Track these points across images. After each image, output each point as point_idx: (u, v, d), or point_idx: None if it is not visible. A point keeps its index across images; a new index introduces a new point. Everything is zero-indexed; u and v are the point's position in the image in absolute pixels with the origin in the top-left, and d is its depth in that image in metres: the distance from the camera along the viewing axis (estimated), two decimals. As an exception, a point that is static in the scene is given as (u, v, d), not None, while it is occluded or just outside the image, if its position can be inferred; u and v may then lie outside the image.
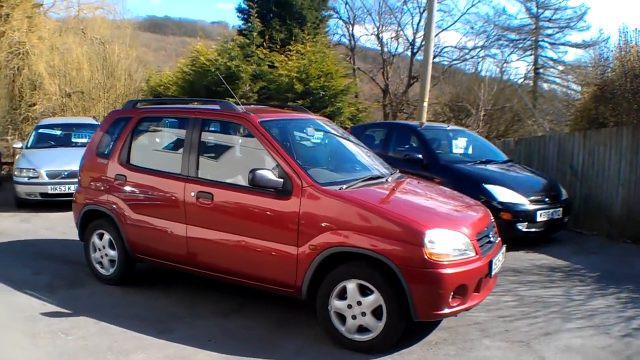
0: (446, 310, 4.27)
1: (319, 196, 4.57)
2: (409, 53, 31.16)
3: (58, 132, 11.93)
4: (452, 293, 4.23)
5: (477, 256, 4.43)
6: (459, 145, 9.62)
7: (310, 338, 4.72)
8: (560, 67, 28.14)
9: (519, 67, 30.64)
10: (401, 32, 30.94)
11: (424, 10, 29.32)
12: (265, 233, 4.78)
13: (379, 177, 5.27)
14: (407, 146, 9.42)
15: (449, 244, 4.27)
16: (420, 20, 30.12)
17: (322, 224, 4.50)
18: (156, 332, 4.77)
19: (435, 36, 30.29)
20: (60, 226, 8.93)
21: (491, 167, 8.83)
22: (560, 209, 8.32)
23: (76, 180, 9.96)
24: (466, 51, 30.40)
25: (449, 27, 31.84)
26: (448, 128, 10.30)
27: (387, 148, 9.40)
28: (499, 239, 5.21)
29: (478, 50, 29.31)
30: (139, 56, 21.95)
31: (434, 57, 30.29)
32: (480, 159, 9.09)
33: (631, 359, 4.45)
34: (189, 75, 16.94)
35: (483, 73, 27.27)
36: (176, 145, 5.69)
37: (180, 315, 5.22)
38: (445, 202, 5.21)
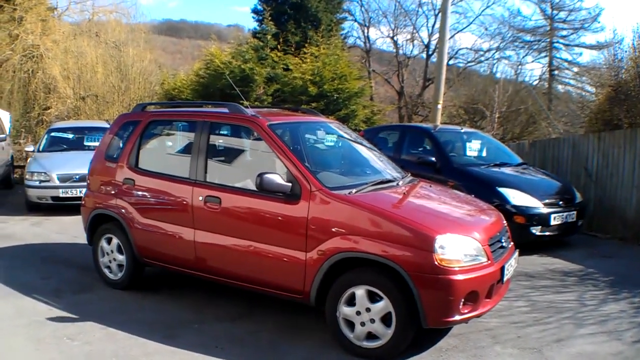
0: (457, 317, 4.19)
1: (327, 200, 4.50)
2: (424, 55, 31.04)
3: (70, 136, 11.94)
4: (462, 299, 4.15)
5: (489, 262, 4.34)
6: (473, 148, 9.49)
7: (318, 345, 4.66)
8: (575, 69, 27.89)
9: (534, 69, 30.45)
10: (416, 35, 30.87)
11: (438, 13, 29.06)
12: (274, 238, 4.72)
13: (389, 181, 5.20)
14: (420, 149, 9.32)
15: (460, 249, 4.19)
16: (435, 22, 30.00)
17: (331, 229, 4.43)
18: (163, 338, 4.72)
19: (450, 38, 30.25)
20: (72, 230, 8.93)
21: (505, 170, 8.72)
22: (575, 212, 8.18)
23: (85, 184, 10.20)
24: (481, 53, 30.26)
25: (464, 29, 31.79)
26: (462, 130, 10.17)
27: (400, 151, 9.30)
28: (512, 243, 5.11)
29: (493, 52, 29.18)
30: (154, 59, 22.00)
31: (449, 59, 30.20)
32: (494, 161, 8.98)
33: (643, 365, 4.35)
34: (203, 78, 16.90)
35: (498, 75, 27.10)
36: (185, 149, 5.65)
37: (188, 320, 5.17)
38: (457, 207, 5.12)
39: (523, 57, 29.33)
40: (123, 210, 5.74)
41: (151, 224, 5.54)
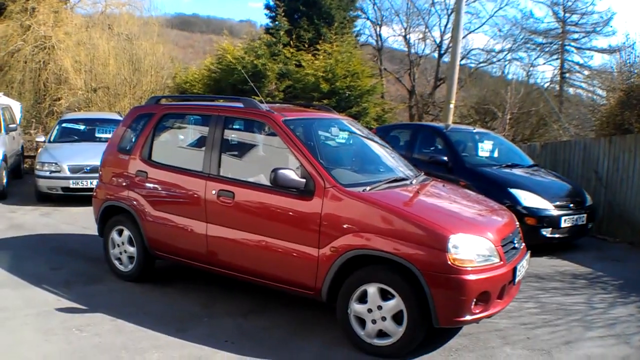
0: (468, 317, 4.18)
1: (341, 197, 4.49)
2: (435, 55, 30.95)
3: (81, 127, 11.95)
4: (474, 300, 4.14)
5: (502, 262, 4.33)
6: (485, 148, 9.49)
7: (329, 341, 4.65)
8: (586, 72, 27.73)
9: (546, 71, 30.32)
10: (428, 34, 30.78)
11: (451, 12, 29.06)
12: (286, 233, 4.71)
13: (403, 179, 5.19)
14: (432, 148, 9.30)
15: (473, 249, 4.17)
16: (447, 22, 29.95)
17: (344, 226, 4.42)
18: (173, 331, 4.72)
19: (463, 38, 30.10)
20: (82, 221, 8.96)
21: (517, 171, 8.71)
22: (585, 215, 8.17)
23: (98, 175, 10.16)
24: (493, 54, 30.14)
25: (476, 29, 31.61)
26: (474, 131, 10.14)
27: (412, 149, 9.29)
28: (524, 244, 5.09)
29: (505, 53, 29.05)
30: (166, 53, 21.96)
31: (461, 59, 30.12)
32: (505, 162, 8.97)
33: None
34: (214, 73, 16.92)
35: (510, 76, 27.04)
36: (198, 142, 5.65)
37: (198, 314, 5.18)
38: (470, 206, 5.10)
39: (534, 59, 29.27)
40: (135, 202, 5.75)
41: (163, 217, 5.54)
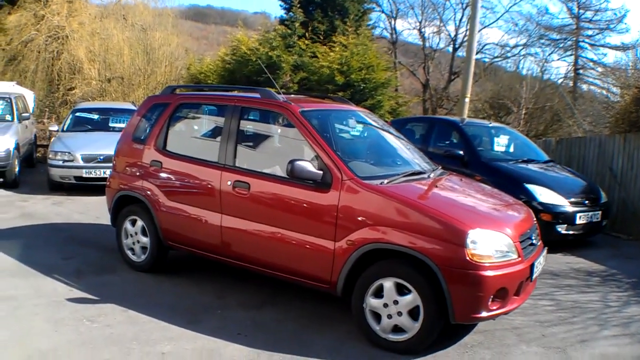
0: (485, 314, 4.13)
1: (359, 190, 4.44)
2: (450, 49, 30.77)
3: (95, 116, 11.90)
4: (492, 296, 4.08)
5: (519, 259, 4.27)
6: (501, 143, 9.40)
7: (343, 335, 4.61)
8: (600, 69, 27.49)
9: (560, 67, 30.02)
10: (443, 28, 30.60)
11: (466, 7, 28.95)
12: (302, 226, 4.66)
13: (420, 173, 5.13)
14: (447, 142, 9.22)
15: (491, 245, 4.11)
16: (462, 16, 29.83)
17: (361, 219, 4.37)
18: (185, 323, 4.69)
19: (478, 32, 29.89)
20: (94, 210, 8.95)
21: (532, 166, 8.62)
22: (600, 212, 8.09)
23: (111, 165, 10.11)
24: (508, 49, 29.92)
25: (491, 24, 31.60)
26: (490, 125, 10.03)
27: (427, 143, 9.20)
28: (541, 241, 5.02)
29: (519, 48, 28.81)
30: (181, 44, 22.00)
31: (476, 54, 29.87)
32: (521, 157, 8.89)
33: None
34: (229, 64, 16.84)
35: (524, 72, 26.78)
36: (214, 132, 5.60)
37: (211, 305, 5.14)
38: (487, 201, 5.03)
39: (549, 54, 29.02)
40: (149, 192, 5.71)
41: (177, 207, 5.50)
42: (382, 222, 4.29)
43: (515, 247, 4.25)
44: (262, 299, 5.37)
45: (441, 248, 4.05)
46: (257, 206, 4.95)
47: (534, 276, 4.53)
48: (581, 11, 28.72)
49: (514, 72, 27.00)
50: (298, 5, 17.98)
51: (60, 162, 10.25)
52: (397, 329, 4.30)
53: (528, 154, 9.20)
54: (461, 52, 30.19)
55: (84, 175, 10.17)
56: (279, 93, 5.24)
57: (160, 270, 5.96)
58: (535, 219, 5.12)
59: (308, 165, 4.52)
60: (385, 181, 4.58)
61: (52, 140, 11.91)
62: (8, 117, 11.78)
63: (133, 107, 12.02)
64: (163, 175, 5.64)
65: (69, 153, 10.24)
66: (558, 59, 29.68)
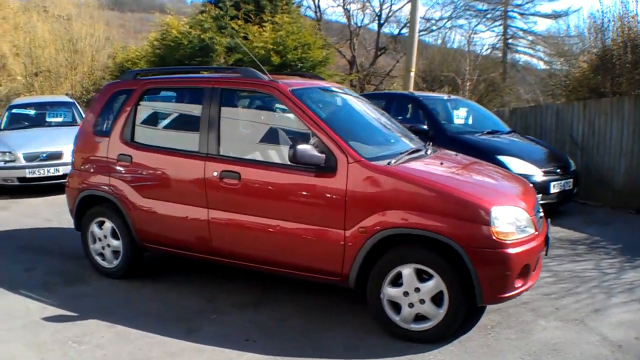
0: (511, 293, 3.91)
1: (367, 173, 4.08)
2: (374, 25, 30.61)
3: (32, 112, 11.06)
4: (517, 274, 3.87)
5: (536, 232, 4.07)
6: (460, 116, 9.22)
7: (357, 329, 4.28)
8: (530, 38, 28.04)
9: (488, 38, 30.30)
10: (368, 4, 30.37)
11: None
12: (305, 215, 4.27)
13: (418, 150, 4.81)
14: (408, 117, 8.94)
15: (513, 221, 3.89)
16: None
17: (374, 204, 4.03)
18: (182, 334, 4.20)
19: (402, 7, 29.91)
20: (43, 213, 8.17)
21: (498, 137, 8.47)
22: (571, 180, 8.04)
23: (56, 162, 9.38)
24: (433, 22, 30.03)
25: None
26: (446, 98, 9.82)
27: (387, 119, 8.88)
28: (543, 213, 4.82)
29: (445, 21, 28.87)
30: (101, 33, 21.10)
31: (401, 29, 29.97)
32: (484, 129, 8.70)
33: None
34: (159, 49, 16.29)
35: (454, 45, 26.97)
36: (190, 119, 5.03)
37: (203, 310, 4.66)
38: (494, 177, 4.77)
39: (475, 26, 29.28)
40: (118, 190, 5.13)
41: (154, 205, 4.96)
42: (397, 205, 3.96)
43: (532, 221, 4.06)
44: (254, 297, 4.93)
45: (465, 228, 3.79)
46: (250, 198, 4.49)
47: (548, 249, 4.35)
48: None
49: (441, 45, 27.11)
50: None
51: (2, 164, 9.37)
52: (419, 318, 4.03)
53: (489, 125, 9.02)
54: (386, 29, 30.23)
55: (28, 176, 9.34)
56: (264, 72, 4.77)
57: (136, 276, 5.40)
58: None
59: (311, 149, 4.11)
60: (393, 161, 4.25)
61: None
62: None
63: (69, 100, 11.31)
64: (134, 170, 5.05)
65: (10, 153, 9.39)
66: (486, 30, 29.91)
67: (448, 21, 28.83)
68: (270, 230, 4.41)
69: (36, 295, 4.96)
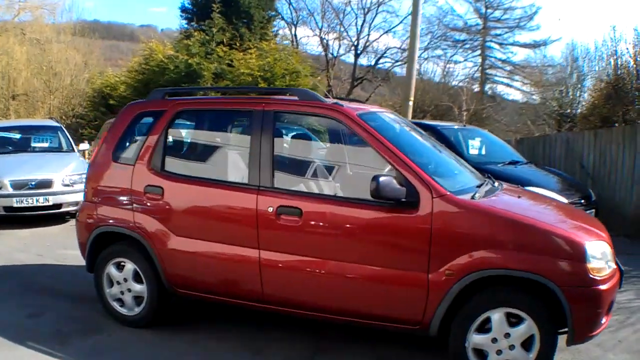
0: (598, 330, 3.68)
1: (455, 209, 3.65)
2: (350, 55, 30.57)
3: (17, 136, 10.17)
4: (605, 311, 3.65)
5: (616, 267, 3.84)
6: (475, 146, 8.84)
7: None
8: (508, 68, 28.22)
9: (466, 68, 30.40)
10: (345, 34, 30.33)
11: (367, 11, 28.90)
12: (379, 257, 3.78)
13: (488, 183, 4.38)
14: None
15: (602, 256, 3.66)
16: (363, 21, 29.61)
17: (463, 243, 3.59)
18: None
19: (379, 37, 29.97)
20: (33, 246, 7.33)
21: (520, 168, 8.14)
22: (593, 210, 7.72)
23: (46, 191, 8.56)
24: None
25: (393, 27, 31.13)
26: (456, 127, 9.43)
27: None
28: None
29: (421, 51, 28.85)
30: (78, 58, 20.55)
31: (379, 59, 29.93)
32: (501, 159, 8.34)
33: None
34: (142, 74, 15.77)
35: (432, 76, 26.94)
36: (234, 146, 4.46)
37: (252, 365, 4.02)
38: (568, 211, 4.48)
39: (451, 56, 29.33)
40: (145, 227, 4.47)
41: (190, 245, 4.32)
42: (490, 244, 3.57)
43: (613, 256, 3.83)
44: (309, 348, 4.32)
45: (561, 266, 3.51)
46: (313, 237, 3.94)
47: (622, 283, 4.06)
48: (489, 11, 29.21)
49: (420, 76, 27.04)
50: (218, 10, 16.86)
51: None
52: (506, 365, 3.61)
53: (506, 155, 8.70)
54: (361, 60, 30.20)
55: (15, 205, 8.41)
56: (326, 95, 4.24)
57: (162, 324, 4.70)
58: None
59: (393, 182, 3.61)
60: (477, 195, 3.83)
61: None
62: None
63: (56, 124, 10.50)
64: (165, 204, 4.41)
65: None
66: (464, 60, 29.88)
67: (424, 52, 28.89)
68: (336, 274, 3.87)
69: (48, 348, 4.23)
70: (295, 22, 31.41)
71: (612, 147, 9.22)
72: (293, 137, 4.85)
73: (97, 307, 4.92)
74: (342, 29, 30.35)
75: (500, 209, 3.74)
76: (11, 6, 20.59)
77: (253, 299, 4.21)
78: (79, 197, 8.56)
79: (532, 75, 24.06)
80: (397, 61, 30.33)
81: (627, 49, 10.09)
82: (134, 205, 4.53)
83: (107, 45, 29.97)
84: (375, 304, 3.83)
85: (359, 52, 29.93)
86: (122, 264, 4.68)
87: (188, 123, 4.82)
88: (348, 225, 3.85)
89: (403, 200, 3.64)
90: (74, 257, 5.87)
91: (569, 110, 14.75)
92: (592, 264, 3.49)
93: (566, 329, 3.54)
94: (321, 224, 3.91)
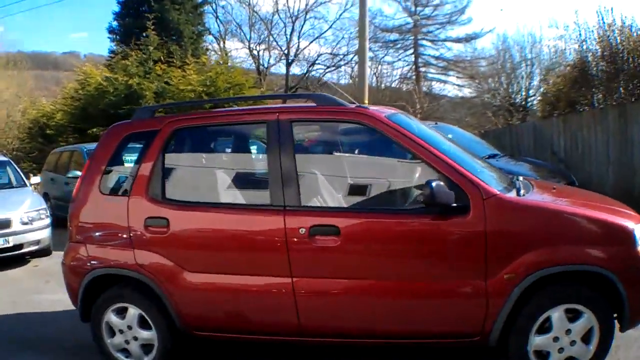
0: None
1: (506, 208, 3.43)
2: (280, 68, 30.32)
3: None
4: None
5: None
6: (450, 141, 8.64)
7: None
8: (442, 64, 28.50)
9: (399, 68, 30.48)
10: (275, 44, 30.04)
11: (296, 19, 28.73)
12: (429, 270, 3.49)
13: (520, 179, 4.19)
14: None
15: None
16: (292, 29, 29.37)
17: (520, 244, 3.38)
18: None
19: (309, 45, 29.79)
20: (3, 293, 6.48)
21: (501, 160, 8.03)
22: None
23: (4, 232, 7.71)
24: (340, 57, 30.05)
25: (322, 34, 30.93)
26: (435, 125, 9.25)
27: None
28: None
29: (352, 55, 28.79)
30: (15, 89, 19.88)
31: (310, 66, 29.73)
32: (481, 154, 8.10)
33: None
34: (78, 100, 15.18)
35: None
36: (247, 163, 4.01)
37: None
38: (597, 199, 4.29)
39: (382, 57, 29.46)
40: (150, 266, 3.92)
41: (207, 281, 3.82)
42: (546, 241, 3.41)
43: None
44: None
45: (615, 254, 3.42)
46: (354, 257, 3.55)
47: None
48: (419, 8, 29.37)
49: (354, 79, 27.03)
50: (152, 29, 16.30)
51: None
52: (568, 362, 3.44)
53: (480, 150, 8.53)
54: (296, 67, 29.99)
55: None
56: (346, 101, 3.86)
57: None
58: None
59: (444, 186, 3.32)
60: (522, 192, 3.63)
61: None
62: None
63: (4, 159, 9.65)
64: (172, 236, 3.88)
65: None
66: (397, 60, 29.99)
67: (355, 56, 28.86)
68: (384, 294, 3.52)
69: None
70: (224, 36, 30.90)
71: (584, 131, 9.31)
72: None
73: (93, 357, 4.30)
74: (272, 39, 30.07)
75: (550, 204, 3.62)
76: None
77: (288, 333, 3.77)
78: (40, 235, 8.01)
79: (466, 69, 24.47)
80: (329, 67, 30.37)
81: (592, 31, 10.18)
82: (134, 241, 3.98)
83: (31, 75, 28.89)
84: (429, 320, 3.52)
85: (290, 60, 29.67)
86: (124, 309, 4.11)
87: (189, 142, 4.28)
88: (394, 239, 3.51)
89: (454, 205, 3.33)
90: (51, 303, 5.39)
91: (518, 100, 14.99)
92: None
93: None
94: (365, 241, 3.55)
